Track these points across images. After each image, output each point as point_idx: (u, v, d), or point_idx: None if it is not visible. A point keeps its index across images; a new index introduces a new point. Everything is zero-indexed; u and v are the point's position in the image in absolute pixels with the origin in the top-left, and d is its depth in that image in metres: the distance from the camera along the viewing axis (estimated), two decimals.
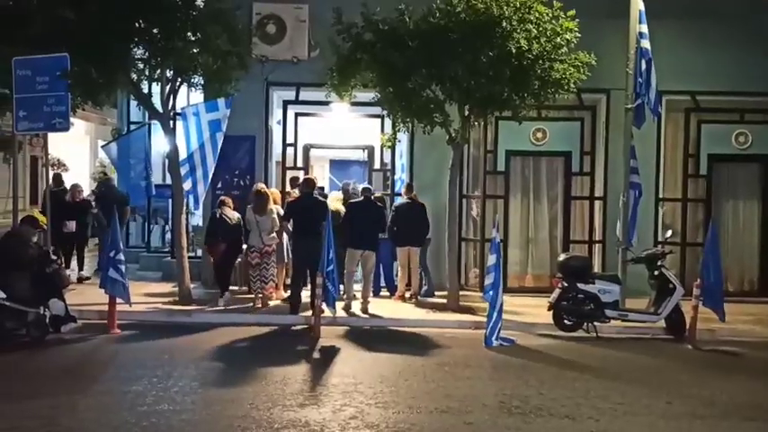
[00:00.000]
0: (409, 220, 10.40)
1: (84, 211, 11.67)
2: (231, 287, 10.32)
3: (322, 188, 14.21)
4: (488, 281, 8.30)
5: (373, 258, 10.01)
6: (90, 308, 9.13)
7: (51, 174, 11.33)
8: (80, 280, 11.36)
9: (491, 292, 8.23)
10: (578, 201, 11.85)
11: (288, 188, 11.28)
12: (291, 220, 9.54)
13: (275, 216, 9.76)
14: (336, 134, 12.77)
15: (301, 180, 10.29)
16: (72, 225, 11.38)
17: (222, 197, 10.25)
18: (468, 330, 9.00)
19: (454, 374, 6.90)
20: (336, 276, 8.61)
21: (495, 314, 8.17)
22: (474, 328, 9.01)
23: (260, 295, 9.73)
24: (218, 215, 9.87)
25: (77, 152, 17.29)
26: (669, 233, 10.37)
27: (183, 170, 10.24)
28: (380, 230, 10.10)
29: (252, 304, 9.70)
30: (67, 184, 12.03)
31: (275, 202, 10.13)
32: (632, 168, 10.15)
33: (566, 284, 8.96)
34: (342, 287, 9.60)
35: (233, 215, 9.91)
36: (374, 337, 8.62)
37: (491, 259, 8.32)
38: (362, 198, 10.08)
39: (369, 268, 10.00)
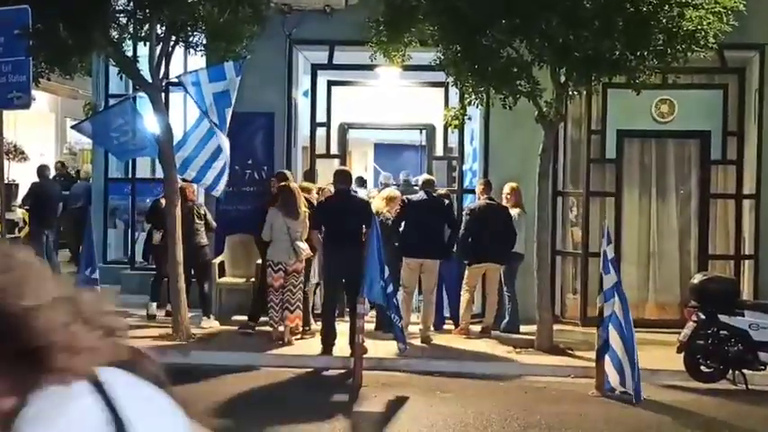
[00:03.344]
0: (488, 227, 10.42)
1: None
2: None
3: (364, 181, 14.30)
4: (607, 310, 8.23)
5: (436, 272, 10.10)
6: None
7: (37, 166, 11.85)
8: None
9: (616, 329, 8.14)
10: (720, 200, 11.73)
11: (317, 183, 11.42)
12: (322, 228, 9.65)
13: (306, 220, 9.92)
14: (383, 109, 12.86)
15: (335, 172, 10.39)
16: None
17: (182, 184, 10.46)
18: (566, 378, 8.96)
19: None
20: (398, 301, 8.71)
21: (616, 356, 8.11)
22: (573, 375, 8.97)
23: (281, 328, 9.87)
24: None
25: (40, 135, 17.78)
26: None
27: (182, 157, 10.43)
28: (450, 236, 10.16)
29: (280, 340, 9.85)
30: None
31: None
32: None
33: (703, 316, 8.84)
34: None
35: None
36: (436, 385, 8.62)
37: (607, 280, 8.25)
38: (423, 193, 10.14)
39: (431, 284, 10.10)
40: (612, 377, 8.24)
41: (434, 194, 10.26)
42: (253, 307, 10.60)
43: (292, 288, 9.89)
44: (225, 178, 10.65)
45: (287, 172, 10.74)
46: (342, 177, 9.88)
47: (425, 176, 10.69)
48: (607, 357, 8.23)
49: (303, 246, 9.82)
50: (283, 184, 10.09)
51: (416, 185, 10.84)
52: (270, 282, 9.92)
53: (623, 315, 8.20)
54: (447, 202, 10.47)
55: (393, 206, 10.37)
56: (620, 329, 8.17)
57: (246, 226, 11.01)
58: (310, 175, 11.88)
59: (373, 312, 10.71)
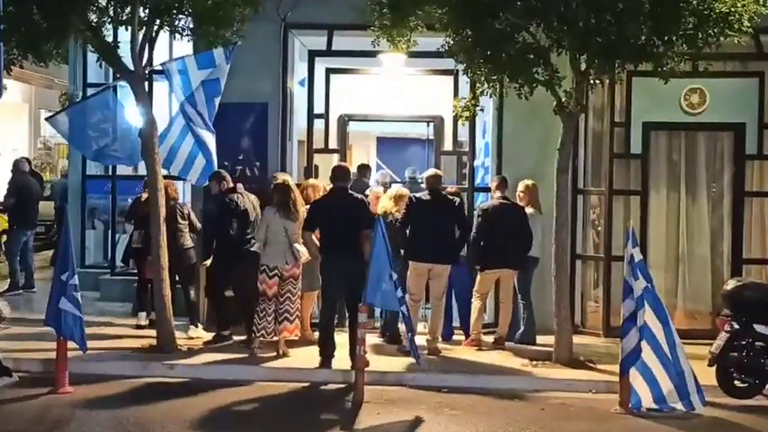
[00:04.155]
0: (502, 229, 10.39)
1: None
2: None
3: (368, 168, 14.23)
4: (639, 320, 8.18)
5: (446, 277, 10.12)
6: (32, 355, 9.35)
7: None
8: None
9: (649, 341, 8.12)
10: (756, 198, 11.72)
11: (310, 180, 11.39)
12: (317, 229, 9.62)
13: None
14: (387, 100, 12.84)
15: (332, 169, 10.34)
16: None
17: (164, 182, 10.36)
18: (587, 394, 8.95)
19: None
20: (408, 310, 8.68)
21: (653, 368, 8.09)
22: (595, 391, 8.96)
23: (275, 338, 9.86)
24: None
25: (12, 128, 17.79)
26: None
27: (165, 150, 10.41)
28: (460, 238, 10.16)
29: (275, 352, 9.83)
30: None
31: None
32: None
33: (737, 326, 8.82)
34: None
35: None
36: (444, 401, 8.59)
37: (637, 286, 8.21)
38: (429, 191, 10.12)
39: (440, 290, 10.10)
40: (644, 393, 8.19)
41: (443, 192, 10.23)
42: (214, 315, 10.60)
43: (291, 296, 9.87)
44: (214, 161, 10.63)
45: (283, 174, 10.67)
46: (338, 174, 9.82)
47: (431, 171, 10.62)
48: (635, 371, 8.19)
49: (302, 249, 9.79)
50: (280, 181, 10.07)
51: (423, 183, 10.78)
52: (263, 289, 9.85)
53: (661, 323, 8.16)
54: (457, 200, 10.43)
55: (401, 205, 10.32)
56: (654, 340, 8.13)
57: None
58: (309, 172, 11.85)
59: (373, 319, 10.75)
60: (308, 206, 10.06)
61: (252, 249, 10.14)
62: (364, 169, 13.75)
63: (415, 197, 10.24)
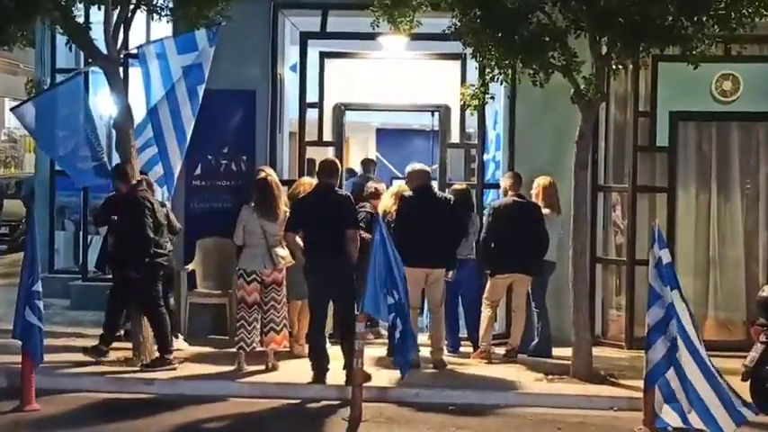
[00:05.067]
0: (516, 230, 10.37)
1: None
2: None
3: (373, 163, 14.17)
4: (671, 330, 8.16)
5: (443, 283, 10.16)
6: None
7: None
8: None
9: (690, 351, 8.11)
10: None
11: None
12: (300, 229, 9.58)
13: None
14: (388, 87, 12.79)
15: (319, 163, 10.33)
16: None
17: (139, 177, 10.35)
18: (608, 412, 8.96)
19: None
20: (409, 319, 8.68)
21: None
22: (616, 408, 8.98)
23: (257, 349, 9.84)
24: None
25: None
26: None
27: (142, 145, 10.39)
28: (457, 238, 10.19)
29: (263, 365, 9.84)
30: None
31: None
32: None
33: None
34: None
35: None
36: (451, 420, 8.59)
37: (667, 293, 8.18)
38: (413, 189, 10.11)
39: (438, 298, 10.11)
40: (671, 412, 8.13)
41: (432, 187, 10.25)
42: (107, 325, 10.31)
43: (275, 304, 9.87)
44: (175, 174, 10.64)
45: (266, 169, 10.63)
46: (324, 169, 9.77)
47: (415, 166, 10.50)
48: (660, 387, 8.16)
49: (283, 253, 9.79)
50: (261, 176, 10.06)
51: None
52: (241, 296, 9.86)
53: (691, 331, 8.17)
54: (452, 198, 10.37)
55: None
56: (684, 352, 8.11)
57: (221, 228, 10.95)
58: (304, 168, 11.84)
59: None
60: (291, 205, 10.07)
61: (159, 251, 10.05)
62: (369, 164, 13.75)
63: (403, 196, 10.21)
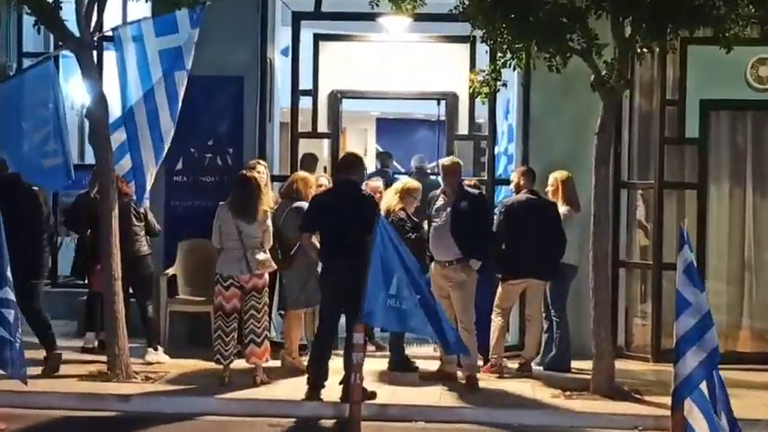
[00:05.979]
0: (530, 230, 10.40)
1: None
2: None
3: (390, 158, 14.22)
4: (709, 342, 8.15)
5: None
6: None
7: None
8: None
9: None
10: None
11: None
12: (317, 229, 9.61)
13: (269, 224, 9.91)
14: (389, 73, 12.84)
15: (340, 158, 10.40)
16: None
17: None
18: (632, 431, 8.97)
19: None
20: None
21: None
22: (642, 427, 8.98)
23: (234, 361, 9.86)
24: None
25: None
26: None
27: (117, 138, 10.39)
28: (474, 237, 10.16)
29: (233, 382, 9.84)
30: None
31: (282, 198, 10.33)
32: None
33: None
34: None
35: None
36: None
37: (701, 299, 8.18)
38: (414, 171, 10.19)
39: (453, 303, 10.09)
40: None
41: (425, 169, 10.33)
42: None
43: (255, 313, 9.81)
44: (152, 170, 10.61)
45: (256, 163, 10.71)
46: (345, 164, 9.82)
47: (417, 157, 10.57)
48: (691, 403, 8.15)
49: (261, 257, 9.76)
50: (243, 172, 10.08)
51: (433, 174, 10.79)
52: (219, 302, 9.85)
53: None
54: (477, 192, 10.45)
55: (409, 202, 10.28)
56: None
57: (205, 229, 10.93)
58: (309, 162, 11.85)
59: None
60: (302, 203, 10.11)
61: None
62: (385, 158, 13.75)
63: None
